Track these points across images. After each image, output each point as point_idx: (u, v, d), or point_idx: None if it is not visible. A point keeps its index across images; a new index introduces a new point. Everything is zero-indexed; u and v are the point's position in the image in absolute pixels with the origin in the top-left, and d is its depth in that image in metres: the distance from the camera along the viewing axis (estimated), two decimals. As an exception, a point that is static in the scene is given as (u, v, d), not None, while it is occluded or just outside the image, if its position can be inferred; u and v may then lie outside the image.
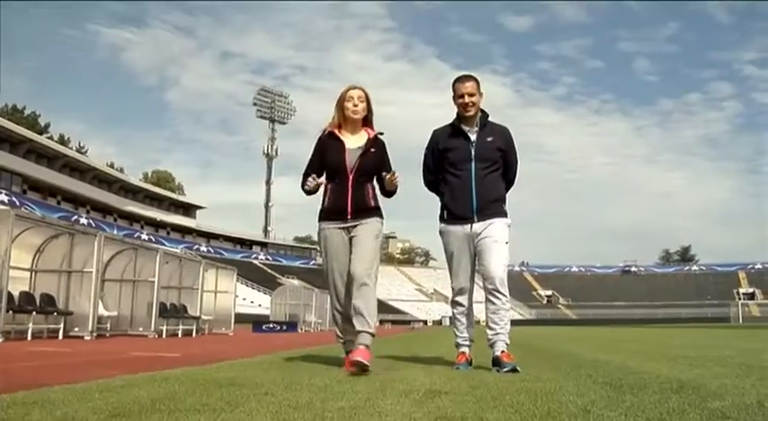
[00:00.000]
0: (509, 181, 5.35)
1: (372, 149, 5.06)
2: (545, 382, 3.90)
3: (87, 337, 12.76)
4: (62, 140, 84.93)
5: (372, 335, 4.85)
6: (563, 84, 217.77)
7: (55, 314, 12.80)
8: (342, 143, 5.04)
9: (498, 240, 5.03)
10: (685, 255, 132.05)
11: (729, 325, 59.69)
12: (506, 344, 5.00)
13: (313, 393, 3.29)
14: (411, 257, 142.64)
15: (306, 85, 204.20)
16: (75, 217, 69.03)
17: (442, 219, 5.29)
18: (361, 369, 4.44)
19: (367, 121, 5.16)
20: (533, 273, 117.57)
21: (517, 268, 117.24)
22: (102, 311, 14.23)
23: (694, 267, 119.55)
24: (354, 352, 4.68)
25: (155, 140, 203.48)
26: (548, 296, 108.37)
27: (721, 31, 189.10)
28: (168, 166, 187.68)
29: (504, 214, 5.18)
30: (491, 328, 5.03)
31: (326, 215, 5.11)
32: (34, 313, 12.08)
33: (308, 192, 5.00)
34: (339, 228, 5.05)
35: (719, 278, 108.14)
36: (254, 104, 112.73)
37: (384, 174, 5.03)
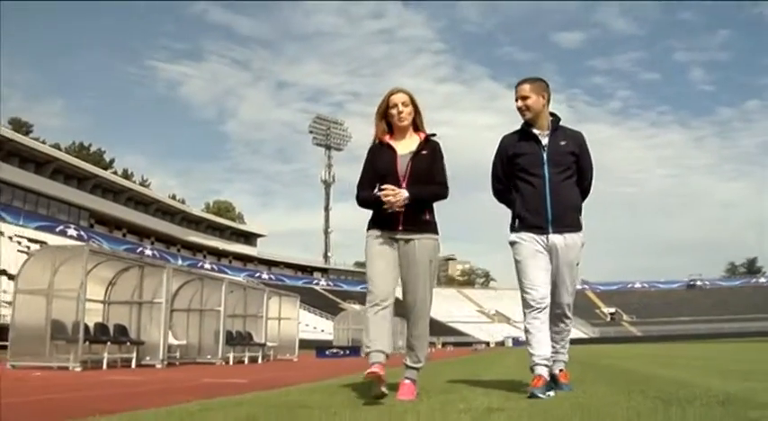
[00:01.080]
0: (584, 190, 5.02)
1: (424, 152, 4.64)
2: (598, 398, 4.13)
3: (159, 366, 13.26)
4: (126, 175, 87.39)
5: (420, 368, 4.73)
6: (618, 98, 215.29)
7: (128, 344, 13.33)
8: (393, 150, 4.66)
9: (571, 265, 4.81)
10: (752, 268, 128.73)
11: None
12: (565, 362, 5.03)
13: (379, 413, 3.56)
14: (471, 279, 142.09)
15: (360, 110, 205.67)
16: (141, 248, 70.80)
17: (513, 228, 4.91)
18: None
19: (416, 125, 4.76)
20: (596, 290, 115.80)
21: (579, 286, 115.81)
22: (171, 340, 14.73)
23: (762, 279, 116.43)
24: (402, 388, 4.53)
25: (215, 171, 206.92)
26: (611, 313, 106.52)
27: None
28: (228, 196, 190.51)
29: (581, 226, 4.88)
30: (552, 347, 4.78)
31: (374, 224, 4.65)
32: (109, 343, 12.60)
33: (364, 203, 4.65)
34: (387, 238, 4.60)
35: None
36: (310, 132, 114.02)
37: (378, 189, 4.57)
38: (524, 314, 4.75)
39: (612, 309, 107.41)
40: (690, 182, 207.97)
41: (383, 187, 4.47)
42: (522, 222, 4.82)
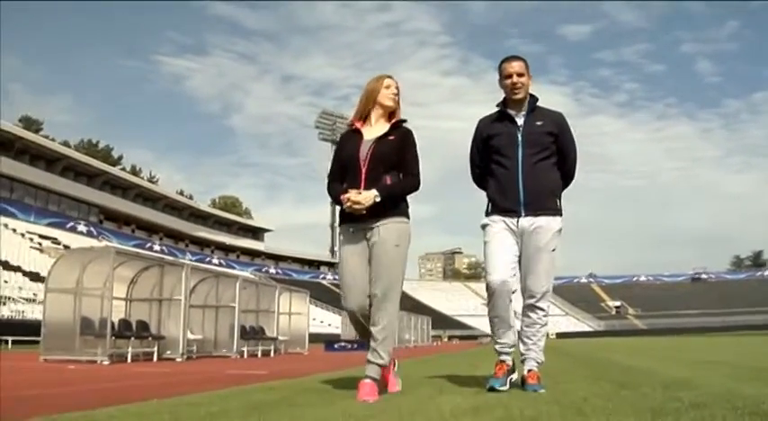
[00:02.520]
0: (566, 172, 4.78)
1: (391, 137, 4.43)
2: (568, 385, 4.80)
3: (179, 359, 13.99)
4: (134, 171, 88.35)
5: (383, 365, 4.32)
6: (624, 90, 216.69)
7: (149, 338, 14.06)
8: (360, 135, 4.50)
9: (544, 248, 4.51)
10: (757, 260, 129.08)
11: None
12: (537, 362, 4.60)
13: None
14: (478, 272, 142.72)
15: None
16: (150, 244, 71.71)
17: (486, 212, 4.72)
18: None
19: (393, 117, 4.57)
20: (601, 283, 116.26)
21: (584, 279, 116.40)
22: (188, 335, 15.46)
23: (767, 273, 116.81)
24: (362, 387, 4.14)
25: (221, 165, 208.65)
26: (616, 307, 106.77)
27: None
28: (235, 190, 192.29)
29: (557, 211, 4.62)
30: (524, 343, 4.63)
31: (342, 217, 4.47)
32: (132, 338, 13.35)
33: (334, 199, 4.48)
34: (355, 231, 4.41)
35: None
36: (317, 127, 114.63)
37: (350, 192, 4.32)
38: (487, 299, 4.59)
39: (618, 303, 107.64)
40: (696, 174, 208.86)
41: (347, 189, 4.33)
42: (494, 206, 4.66)
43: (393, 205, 4.36)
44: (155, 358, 13.69)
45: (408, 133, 4.52)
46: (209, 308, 17.82)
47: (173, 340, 14.49)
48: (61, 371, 9.47)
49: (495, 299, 4.49)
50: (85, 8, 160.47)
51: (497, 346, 4.59)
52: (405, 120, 4.55)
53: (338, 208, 4.46)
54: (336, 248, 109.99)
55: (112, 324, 12.68)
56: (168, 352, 14.36)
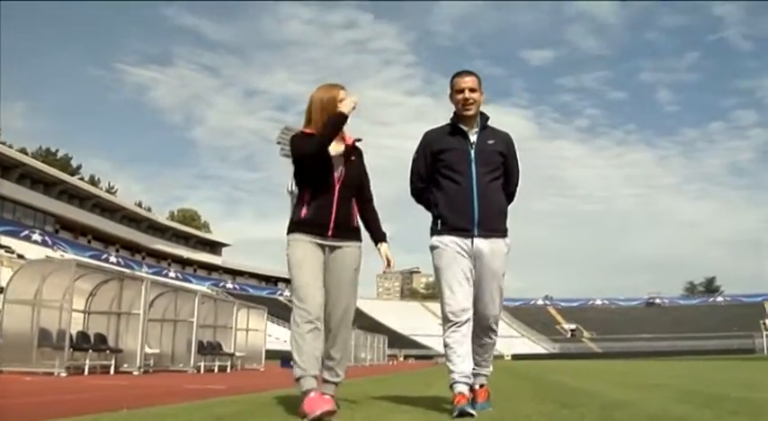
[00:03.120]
0: (509, 194, 4.68)
1: (353, 158, 4.43)
2: (514, 403, 5.05)
3: (136, 373, 14.00)
4: (93, 181, 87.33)
5: (338, 383, 4.44)
6: (585, 116, 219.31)
7: (107, 351, 14.07)
8: (327, 150, 4.33)
9: (497, 273, 4.41)
10: (710, 286, 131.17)
11: (754, 356, 59.77)
12: (486, 377, 4.70)
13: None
14: (435, 293, 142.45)
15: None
16: (106, 255, 70.95)
17: (434, 231, 4.49)
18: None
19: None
20: (557, 306, 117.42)
21: (541, 302, 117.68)
22: (146, 349, 15.50)
23: (719, 298, 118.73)
24: (314, 401, 3.95)
25: (181, 177, 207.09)
26: (572, 330, 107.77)
27: (742, 59, 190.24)
28: (194, 203, 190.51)
29: (506, 232, 4.52)
30: (474, 361, 4.47)
31: (301, 227, 4.31)
32: (90, 351, 13.37)
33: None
34: (316, 244, 4.29)
35: (745, 309, 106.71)
36: (278, 143, 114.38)
37: (384, 253, 4.54)
38: (443, 327, 4.39)
39: (573, 326, 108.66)
40: (653, 201, 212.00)
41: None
42: (444, 224, 4.44)
43: (356, 227, 4.44)
44: (112, 371, 13.71)
45: (362, 153, 4.54)
46: (167, 322, 17.84)
47: (130, 353, 14.50)
48: (19, 382, 9.50)
49: (455, 327, 4.31)
50: (46, 13, 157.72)
51: (455, 376, 4.25)
52: (360, 140, 4.52)
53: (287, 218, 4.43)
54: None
55: (71, 336, 12.71)
56: (125, 365, 14.36)
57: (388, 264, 4.56)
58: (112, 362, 13.92)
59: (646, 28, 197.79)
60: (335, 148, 4.32)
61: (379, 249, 4.57)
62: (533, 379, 11.48)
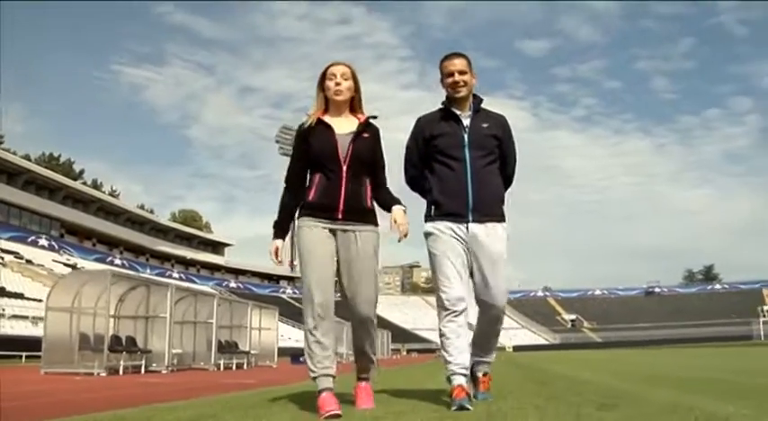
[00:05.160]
0: (507, 178, 4.54)
1: (365, 135, 4.13)
2: (510, 394, 4.96)
3: (164, 371, 15.11)
4: (95, 185, 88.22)
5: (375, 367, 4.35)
6: (582, 105, 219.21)
7: (138, 352, 15.19)
8: (331, 129, 4.07)
9: (499, 259, 4.23)
10: (708, 274, 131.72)
11: (751, 342, 60.59)
12: (489, 365, 4.66)
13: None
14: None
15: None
16: (110, 258, 71.92)
17: (428, 217, 4.34)
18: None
19: (354, 104, 4.24)
20: (557, 297, 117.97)
21: (540, 293, 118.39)
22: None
23: (717, 286, 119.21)
24: (359, 392, 4.20)
25: (179, 177, 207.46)
26: (572, 320, 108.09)
27: (737, 45, 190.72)
28: (192, 203, 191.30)
29: (504, 217, 4.35)
30: (479, 348, 4.54)
31: (309, 212, 4.08)
32: (123, 352, 14.48)
33: (284, 209, 4.28)
34: (324, 228, 4.05)
35: (743, 296, 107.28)
36: (277, 142, 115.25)
37: (393, 214, 4.10)
38: (439, 316, 4.21)
39: (573, 316, 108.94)
40: (652, 189, 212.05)
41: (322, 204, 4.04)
42: (438, 209, 4.30)
43: (370, 209, 4.17)
44: (142, 370, 14.77)
45: (378, 132, 4.26)
46: (187, 324, 18.93)
47: (158, 354, 15.64)
48: (67, 381, 10.52)
49: (451, 316, 4.12)
50: (41, 14, 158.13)
51: (453, 367, 4.06)
52: (375, 117, 4.27)
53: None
54: (296, 262, 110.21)
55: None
56: (154, 365, 15.47)
57: (397, 226, 4.06)
58: (143, 362, 14.99)
59: (640, 15, 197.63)
60: (346, 127, 4.12)
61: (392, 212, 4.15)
62: (530, 368, 12.27)
